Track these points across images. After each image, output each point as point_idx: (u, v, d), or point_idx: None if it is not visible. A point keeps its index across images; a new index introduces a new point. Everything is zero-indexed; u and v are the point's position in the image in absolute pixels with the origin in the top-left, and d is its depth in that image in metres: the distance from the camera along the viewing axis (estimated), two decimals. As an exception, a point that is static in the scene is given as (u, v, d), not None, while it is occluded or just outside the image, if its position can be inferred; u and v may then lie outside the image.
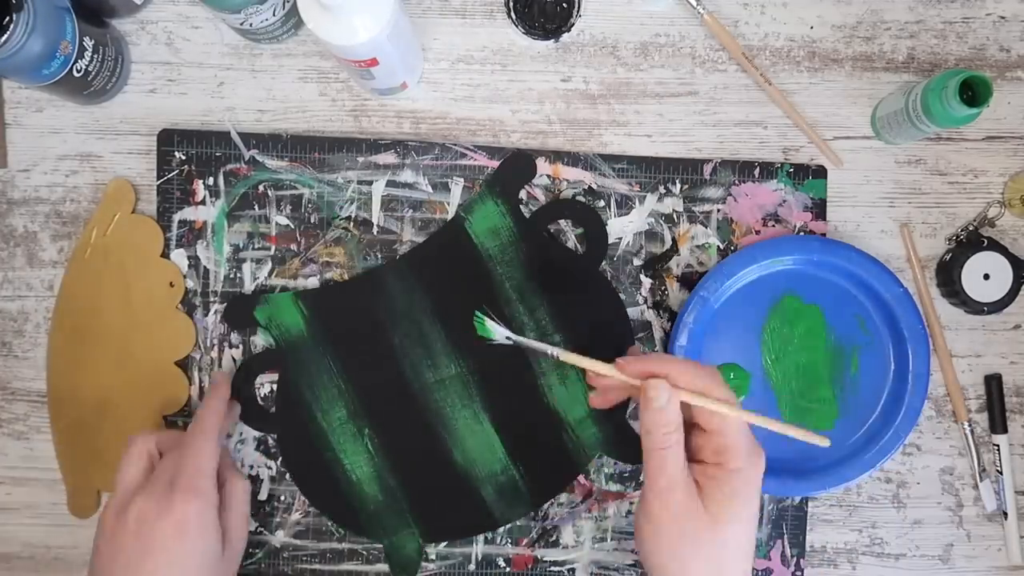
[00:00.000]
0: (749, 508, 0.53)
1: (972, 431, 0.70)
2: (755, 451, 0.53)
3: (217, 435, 0.61)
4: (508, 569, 0.69)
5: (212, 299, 0.68)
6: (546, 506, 0.69)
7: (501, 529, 0.69)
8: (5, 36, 0.56)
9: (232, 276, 0.69)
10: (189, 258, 0.68)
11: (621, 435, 0.68)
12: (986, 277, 0.68)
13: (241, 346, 0.69)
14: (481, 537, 0.69)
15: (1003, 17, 0.71)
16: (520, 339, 0.59)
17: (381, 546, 0.68)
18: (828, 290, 0.68)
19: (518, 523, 0.69)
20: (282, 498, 0.69)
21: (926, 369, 0.66)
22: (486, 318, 0.59)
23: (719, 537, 0.52)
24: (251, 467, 0.68)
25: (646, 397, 0.53)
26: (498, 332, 0.59)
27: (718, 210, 0.70)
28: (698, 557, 0.52)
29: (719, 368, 0.67)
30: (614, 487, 0.69)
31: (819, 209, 0.70)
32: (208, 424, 0.61)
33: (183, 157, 0.68)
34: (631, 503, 0.69)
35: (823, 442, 0.53)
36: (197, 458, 0.59)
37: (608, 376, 0.56)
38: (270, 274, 0.69)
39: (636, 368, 0.55)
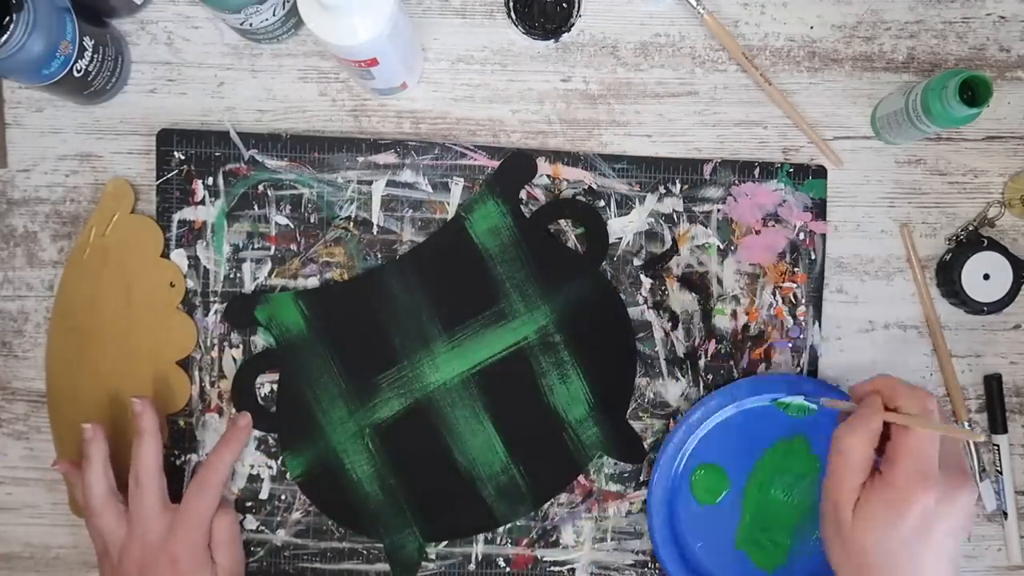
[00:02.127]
0: (896, 528, 0.53)
1: (972, 431, 0.70)
2: (928, 477, 0.53)
3: (221, 488, 0.64)
4: (508, 569, 0.69)
5: (212, 299, 0.68)
6: (546, 506, 0.69)
7: (501, 529, 0.69)
8: (5, 36, 0.56)
9: (232, 276, 0.69)
10: (189, 258, 0.68)
11: (621, 435, 0.68)
12: (986, 277, 0.68)
13: (241, 346, 0.69)
14: (481, 537, 0.69)
15: (1003, 17, 0.71)
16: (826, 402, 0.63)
17: (382, 545, 0.68)
18: None
19: (518, 523, 0.69)
20: (283, 497, 0.69)
21: None
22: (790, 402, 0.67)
23: (857, 542, 0.54)
24: (251, 467, 0.68)
25: (859, 408, 0.57)
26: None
27: (718, 210, 0.70)
28: (840, 551, 0.55)
29: (700, 467, 0.68)
30: (614, 487, 0.69)
31: (819, 209, 0.70)
32: (217, 479, 0.64)
33: (182, 157, 0.68)
34: (631, 503, 0.69)
35: (977, 437, 0.54)
36: (199, 513, 0.63)
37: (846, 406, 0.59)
38: (270, 274, 0.69)
39: (861, 390, 0.59)
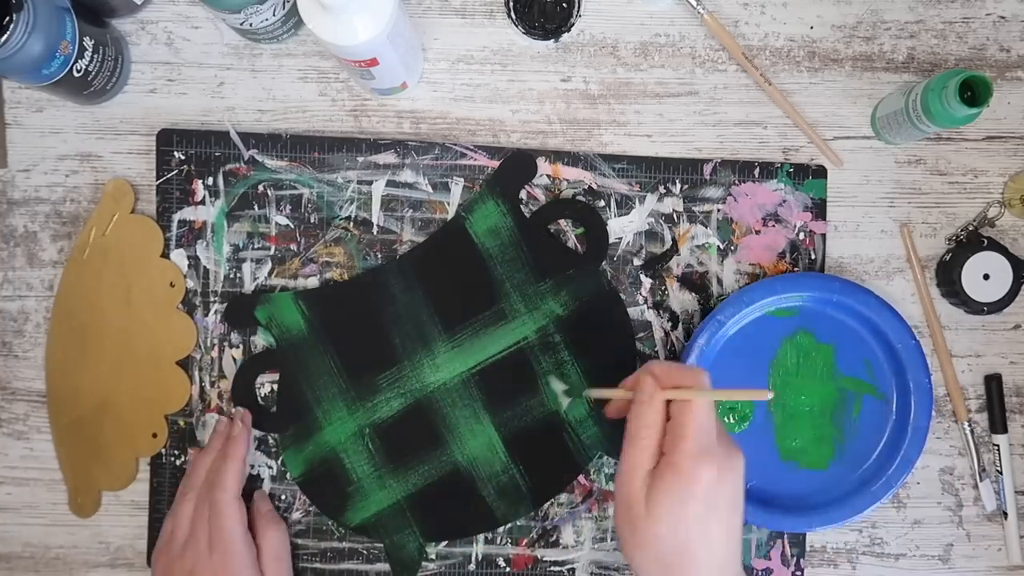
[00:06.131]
0: (686, 508, 0.51)
1: (972, 431, 0.70)
2: (707, 455, 0.51)
3: (239, 494, 0.64)
4: (508, 569, 0.69)
5: (212, 299, 0.68)
6: (546, 506, 0.69)
7: (501, 529, 0.69)
8: (5, 36, 0.56)
9: (232, 276, 0.69)
10: (189, 258, 0.68)
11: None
12: (986, 277, 0.68)
13: (241, 346, 0.69)
14: (481, 537, 0.69)
15: (1003, 17, 0.71)
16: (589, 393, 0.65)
17: (382, 545, 0.68)
18: (842, 332, 0.68)
19: (518, 523, 0.69)
20: (283, 497, 0.69)
21: (926, 424, 0.67)
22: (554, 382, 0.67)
23: (652, 531, 0.52)
24: (252, 467, 0.68)
25: (636, 394, 0.54)
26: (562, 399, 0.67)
27: (718, 210, 0.70)
28: (636, 546, 0.53)
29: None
30: (614, 487, 0.69)
31: (819, 209, 0.70)
32: (230, 487, 0.64)
33: (182, 157, 0.68)
34: (631, 503, 0.69)
35: (765, 396, 0.52)
36: (226, 521, 0.63)
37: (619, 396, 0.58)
38: (270, 274, 0.69)
39: (632, 379, 0.56)
